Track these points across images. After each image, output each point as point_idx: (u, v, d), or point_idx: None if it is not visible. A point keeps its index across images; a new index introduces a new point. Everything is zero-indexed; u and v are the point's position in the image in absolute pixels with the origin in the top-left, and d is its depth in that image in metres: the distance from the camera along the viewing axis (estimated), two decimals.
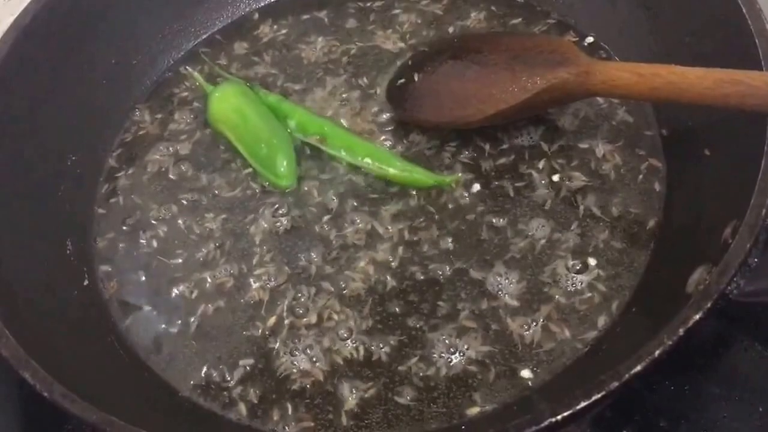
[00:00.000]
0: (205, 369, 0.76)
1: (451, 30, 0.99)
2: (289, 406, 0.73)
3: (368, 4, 1.04)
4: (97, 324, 0.80)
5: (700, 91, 0.66)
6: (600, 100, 0.89)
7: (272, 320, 0.78)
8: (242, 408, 0.74)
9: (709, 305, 0.54)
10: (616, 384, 0.51)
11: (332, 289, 0.79)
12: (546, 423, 0.51)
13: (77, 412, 0.59)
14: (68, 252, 0.83)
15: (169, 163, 0.92)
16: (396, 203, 0.84)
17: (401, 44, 0.99)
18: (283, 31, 1.04)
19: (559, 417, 0.51)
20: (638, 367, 0.52)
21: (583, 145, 0.86)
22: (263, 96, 0.93)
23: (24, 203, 0.82)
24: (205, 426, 0.73)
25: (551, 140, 0.87)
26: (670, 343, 0.52)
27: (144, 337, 0.79)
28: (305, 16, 1.04)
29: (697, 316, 0.54)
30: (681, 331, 0.53)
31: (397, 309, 0.77)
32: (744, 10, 0.72)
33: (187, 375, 0.76)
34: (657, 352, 0.52)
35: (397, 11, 1.02)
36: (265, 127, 0.89)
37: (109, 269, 0.85)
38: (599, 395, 0.51)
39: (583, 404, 0.51)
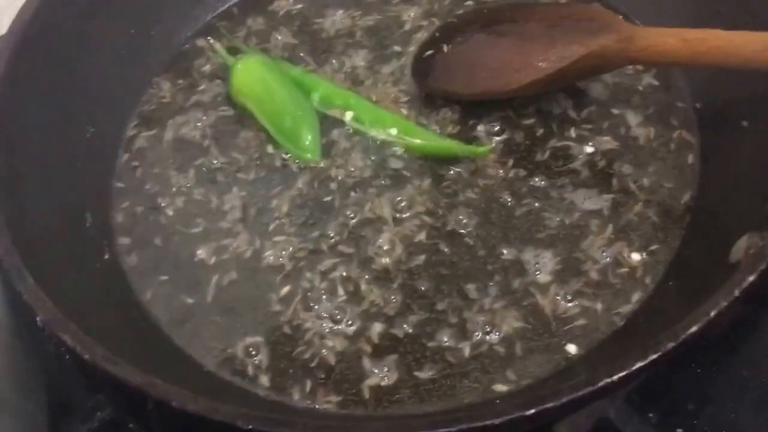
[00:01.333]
0: (228, 344, 0.77)
1: (470, 2, 1.00)
2: (315, 382, 0.73)
3: None
4: (120, 297, 0.80)
5: (747, 54, 0.67)
6: (629, 69, 0.90)
7: (295, 295, 0.79)
8: (266, 382, 0.74)
9: (764, 266, 0.55)
10: (672, 344, 0.52)
11: (358, 264, 0.80)
12: (602, 383, 0.51)
13: (120, 375, 0.59)
14: (88, 225, 0.84)
15: (190, 135, 0.93)
16: (424, 177, 0.85)
17: (423, 16, 0.99)
18: (300, 6, 1.04)
19: (615, 377, 0.52)
20: (694, 328, 0.52)
21: (615, 117, 0.87)
22: (287, 69, 0.93)
23: (42, 177, 0.82)
24: (231, 400, 0.73)
25: (581, 110, 0.88)
26: (726, 303, 0.53)
27: (166, 311, 0.80)
28: None
29: (752, 278, 0.55)
30: (737, 293, 0.54)
31: (425, 285, 0.77)
32: None
33: (211, 349, 0.77)
34: (713, 313, 0.53)
35: None
36: (290, 99, 0.90)
37: (129, 242, 0.85)
38: (656, 355, 0.52)
39: (639, 364, 0.52)
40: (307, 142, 0.87)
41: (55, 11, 0.87)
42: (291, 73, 0.93)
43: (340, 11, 1.02)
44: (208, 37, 1.01)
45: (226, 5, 1.05)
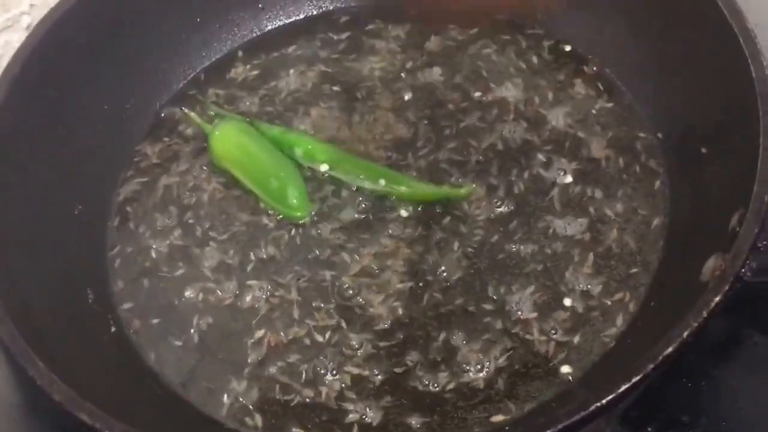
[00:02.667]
0: (241, 398, 0.84)
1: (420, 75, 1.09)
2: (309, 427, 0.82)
3: (335, 36, 1.15)
4: (132, 367, 0.87)
5: None
6: (580, 93, 1.02)
7: (292, 345, 0.87)
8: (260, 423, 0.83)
9: (726, 288, 0.65)
10: (651, 366, 0.62)
11: (347, 312, 0.88)
12: (593, 408, 0.61)
13: None
14: (90, 301, 0.91)
15: (176, 200, 1.00)
16: (408, 223, 0.93)
17: (378, 66, 1.10)
18: (257, 72, 1.12)
19: (604, 401, 0.61)
20: (670, 349, 0.62)
21: (583, 148, 0.97)
22: (265, 129, 1.01)
23: (39, 262, 0.88)
24: None
25: (546, 139, 0.99)
26: (696, 324, 0.63)
27: (177, 374, 0.87)
28: (275, 54, 1.14)
29: (718, 299, 0.65)
30: (705, 314, 0.64)
31: (413, 329, 0.86)
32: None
33: (225, 405, 0.84)
34: (685, 334, 0.63)
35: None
36: (271, 160, 0.98)
37: (131, 306, 0.92)
38: (638, 377, 0.62)
39: (624, 387, 0.62)
40: (295, 201, 0.95)
41: (28, 91, 0.94)
42: (271, 133, 1.01)
43: (297, 67, 1.12)
44: (182, 108, 1.08)
45: (195, 71, 1.13)
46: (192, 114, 1.05)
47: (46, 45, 0.96)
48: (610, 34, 1.03)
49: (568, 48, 1.08)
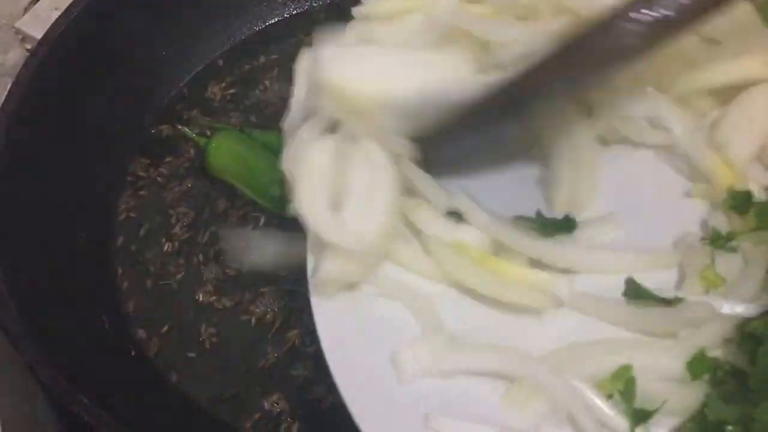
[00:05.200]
0: (269, 406, 0.82)
1: None
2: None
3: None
4: (157, 388, 0.84)
5: None
6: None
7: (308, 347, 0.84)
8: None
9: None
10: None
11: None
12: None
13: None
14: (107, 327, 0.86)
15: (176, 214, 0.96)
16: None
17: None
18: (233, 90, 1.06)
19: None
20: None
21: None
22: (259, 136, 0.96)
23: (54, 296, 0.84)
24: None
25: None
26: None
27: (203, 391, 0.84)
28: (253, 62, 1.08)
29: None
30: None
31: None
32: None
33: (255, 416, 0.82)
34: None
35: None
36: (268, 167, 0.92)
37: (145, 328, 0.88)
38: None
39: None
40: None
41: (26, 127, 0.88)
42: (265, 138, 0.96)
43: (276, 72, 1.06)
44: (175, 124, 1.02)
45: (179, 87, 1.06)
46: (186, 129, 1.00)
47: (38, 80, 0.90)
48: None
49: None
